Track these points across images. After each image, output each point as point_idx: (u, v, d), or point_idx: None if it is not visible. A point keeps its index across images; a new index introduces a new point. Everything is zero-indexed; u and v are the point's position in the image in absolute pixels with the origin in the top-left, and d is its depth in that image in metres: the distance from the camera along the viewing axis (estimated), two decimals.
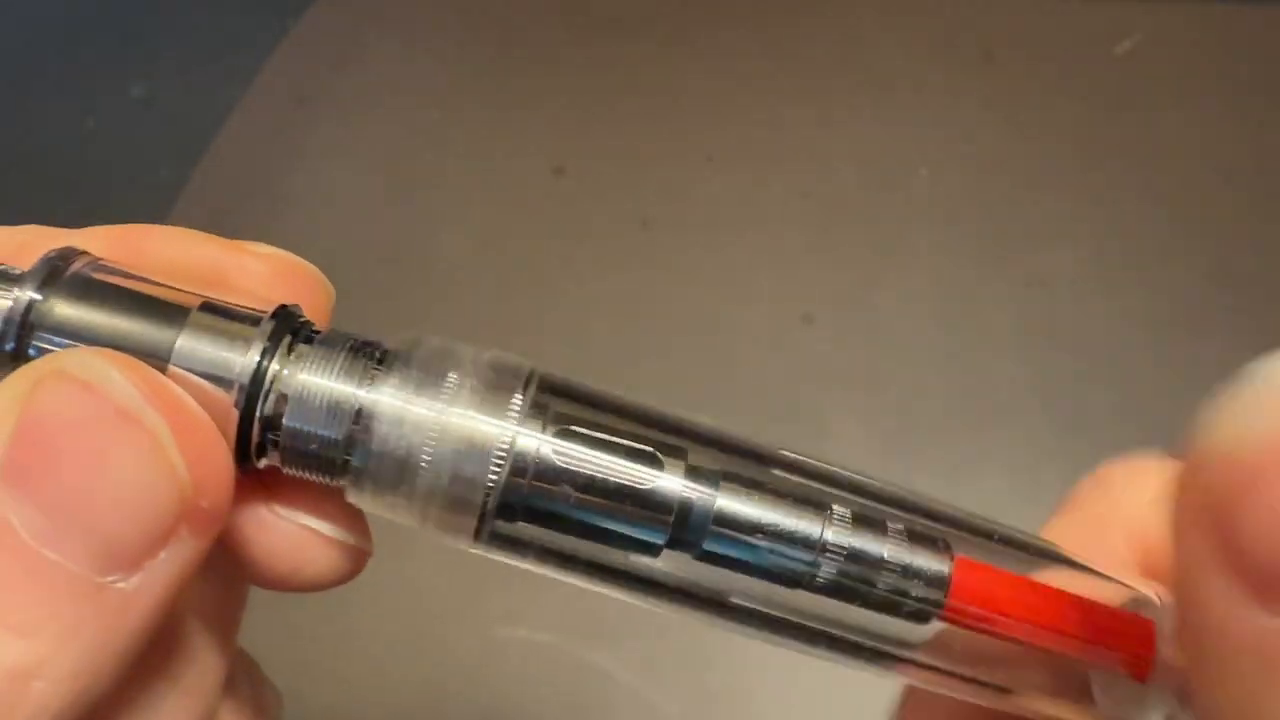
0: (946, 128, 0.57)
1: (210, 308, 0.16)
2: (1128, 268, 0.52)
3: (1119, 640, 0.16)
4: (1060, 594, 0.17)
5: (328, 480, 0.17)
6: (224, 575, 0.19)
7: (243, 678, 0.21)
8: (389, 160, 0.59)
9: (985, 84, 0.59)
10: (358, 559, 0.19)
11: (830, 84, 0.60)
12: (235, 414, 0.16)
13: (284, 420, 0.16)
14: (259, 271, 0.19)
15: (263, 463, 0.17)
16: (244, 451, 0.16)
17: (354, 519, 0.18)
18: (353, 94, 0.62)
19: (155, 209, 0.55)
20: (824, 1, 0.63)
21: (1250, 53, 0.59)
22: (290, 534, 0.18)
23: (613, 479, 0.16)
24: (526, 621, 0.43)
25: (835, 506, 0.17)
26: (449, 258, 0.54)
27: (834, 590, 0.17)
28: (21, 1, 0.67)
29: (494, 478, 0.16)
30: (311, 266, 0.20)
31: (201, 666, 0.18)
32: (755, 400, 0.48)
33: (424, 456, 0.16)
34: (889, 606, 0.17)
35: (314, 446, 0.16)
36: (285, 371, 0.16)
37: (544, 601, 0.43)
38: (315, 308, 0.19)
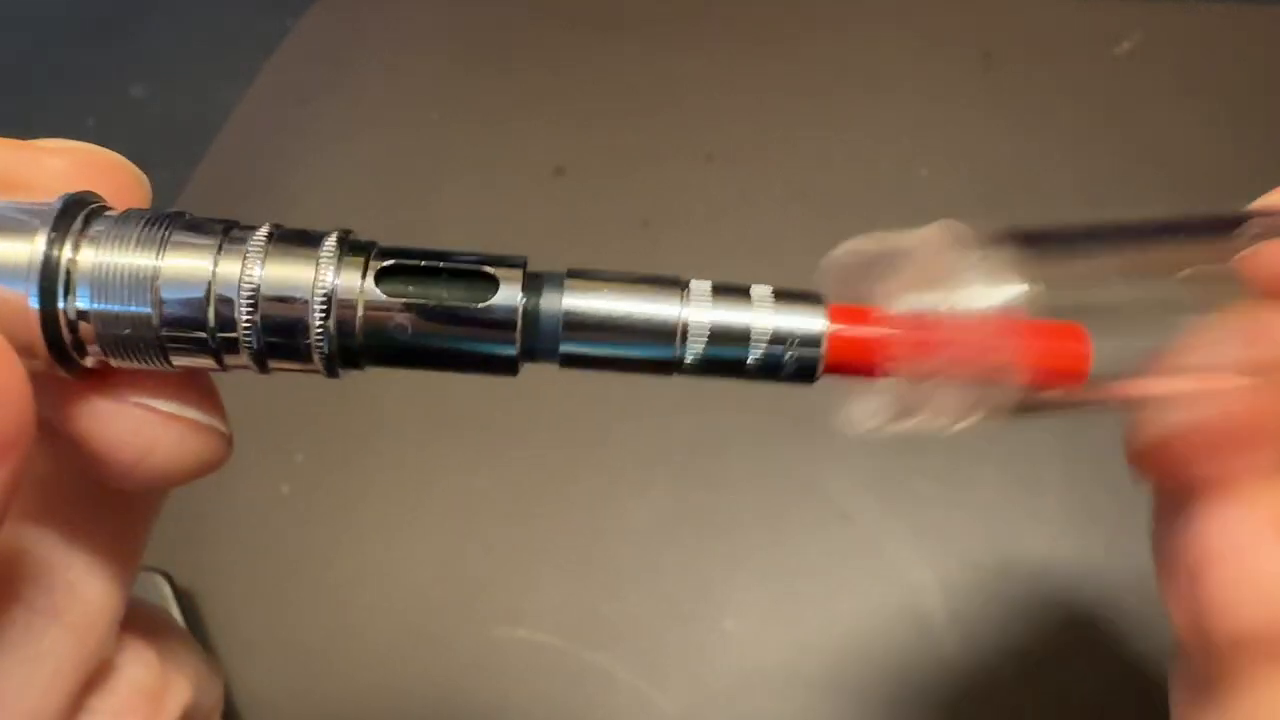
0: (946, 127, 0.57)
1: None
2: None
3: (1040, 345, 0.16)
4: (951, 320, 0.16)
5: (159, 364, 0.16)
6: (99, 502, 0.18)
7: (167, 639, 0.20)
8: (389, 160, 0.59)
9: (985, 84, 0.59)
10: (211, 439, 0.18)
11: (830, 84, 0.59)
12: (33, 311, 0.15)
13: (87, 306, 0.15)
14: (58, 168, 0.17)
15: (89, 360, 0.16)
16: (62, 352, 0.16)
17: (201, 396, 0.17)
18: (353, 94, 0.62)
19: (155, 209, 0.55)
20: (824, 1, 0.63)
21: (1250, 53, 0.59)
22: (130, 418, 0.17)
23: (442, 303, 0.16)
24: (526, 621, 0.43)
25: (693, 282, 0.17)
26: None
27: (706, 369, 0.17)
28: (21, 1, 0.67)
29: (320, 325, 0.16)
30: (118, 156, 0.18)
31: (85, 601, 0.18)
32: (755, 400, 0.48)
33: (244, 317, 0.15)
34: (768, 373, 0.17)
35: (126, 329, 0.16)
36: (80, 256, 0.15)
37: (543, 601, 0.43)
38: (126, 200, 0.18)
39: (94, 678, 0.18)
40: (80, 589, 0.18)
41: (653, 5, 0.64)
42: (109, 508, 0.19)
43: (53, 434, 0.17)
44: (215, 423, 0.18)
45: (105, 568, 0.18)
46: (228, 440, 0.18)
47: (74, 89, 0.62)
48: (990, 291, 0.17)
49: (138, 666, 0.20)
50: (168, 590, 0.41)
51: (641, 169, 0.57)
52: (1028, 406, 0.16)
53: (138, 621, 0.20)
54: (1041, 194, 0.55)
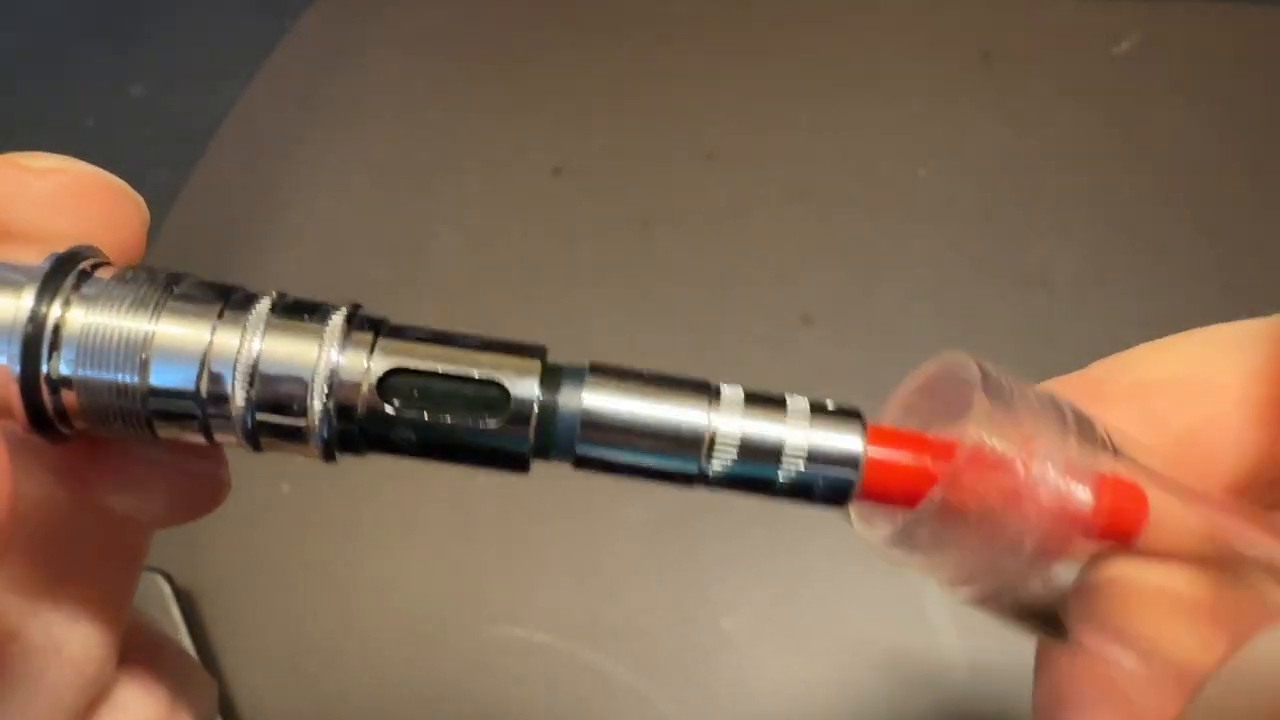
0: (946, 127, 0.57)
1: None
2: (1128, 267, 0.52)
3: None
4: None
5: (143, 435, 0.15)
6: (93, 535, 0.18)
7: (148, 651, 0.20)
8: (389, 160, 0.59)
9: (984, 84, 0.59)
10: (210, 488, 0.17)
11: (830, 84, 0.59)
12: (13, 374, 0.14)
13: (71, 372, 0.14)
14: (45, 193, 0.16)
15: (70, 428, 0.15)
16: (41, 418, 0.14)
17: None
18: (353, 94, 0.62)
19: (155, 209, 0.55)
20: (824, 2, 0.63)
21: (1250, 53, 0.59)
22: (130, 471, 0.16)
23: (455, 391, 0.15)
24: (524, 621, 0.43)
25: (724, 388, 0.15)
26: (449, 258, 0.54)
27: (732, 484, 0.15)
28: (21, 1, 0.67)
29: (320, 407, 0.14)
30: (110, 178, 0.17)
31: (82, 633, 0.17)
32: None
33: (239, 394, 0.14)
34: (798, 493, 0.15)
35: (112, 398, 0.14)
36: (69, 316, 0.14)
37: (542, 601, 0.43)
38: (121, 229, 0.16)
39: (99, 706, 0.18)
40: (77, 621, 0.17)
41: (653, 5, 0.64)
42: (103, 539, 0.18)
43: (50, 474, 0.16)
44: (217, 472, 0.17)
45: (100, 598, 0.18)
46: (227, 485, 0.17)
47: (74, 89, 0.62)
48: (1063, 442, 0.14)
49: (145, 698, 0.19)
50: (168, 590, 0.41)
51: (641, 169, 0.57)
52: (1023, 603, 0.15)
53: (139, 644, 0.20)
54: (1042, 194, 0.55)
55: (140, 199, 0.17)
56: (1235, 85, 0.58)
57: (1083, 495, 0.14)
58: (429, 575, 0.44)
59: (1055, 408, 0.15)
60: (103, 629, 0.18)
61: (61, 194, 0.16)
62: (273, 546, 0.45)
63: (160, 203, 0.56)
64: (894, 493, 0.15)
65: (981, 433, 0.14)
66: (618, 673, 0.41)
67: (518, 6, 0.65)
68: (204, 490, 0.17)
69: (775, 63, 0.61)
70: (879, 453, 0.15)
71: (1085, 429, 0.14)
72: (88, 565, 0.18)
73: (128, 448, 0.16)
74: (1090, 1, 0.61)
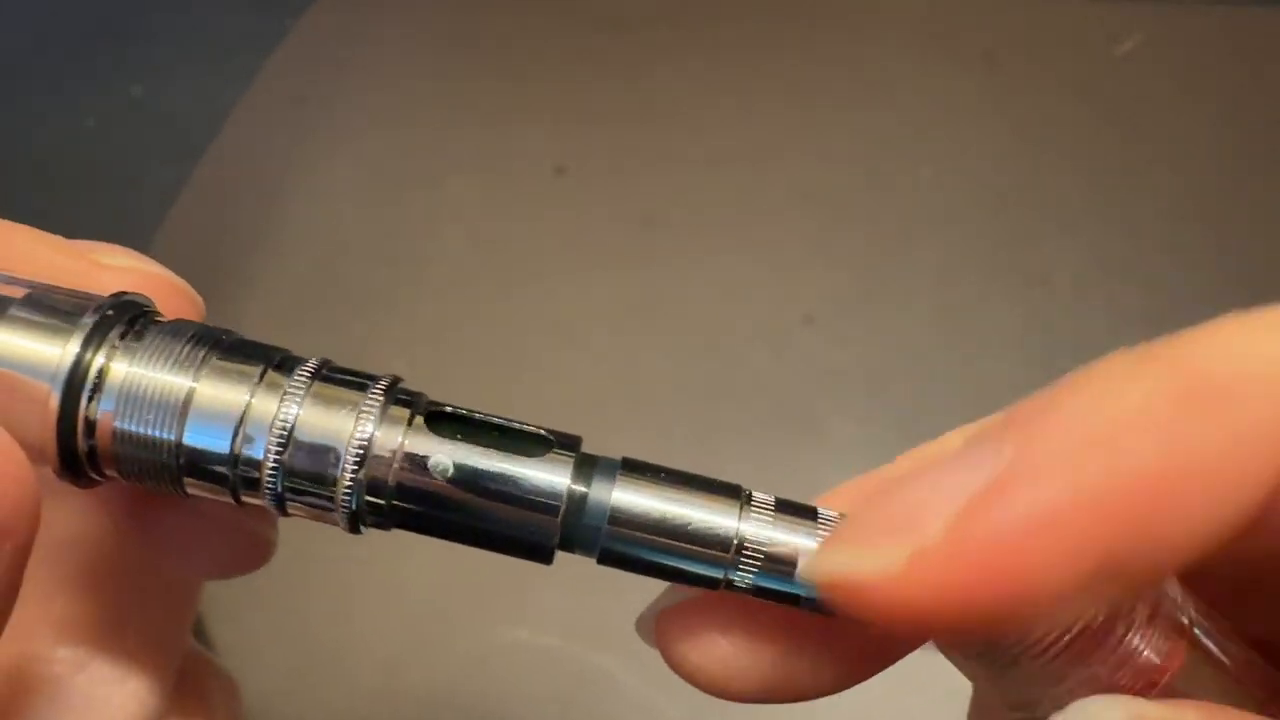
0: (947, 128, 0.57)
1: (34, 300, 0.15)
2: (1128, 267, 0.52)
3: None
4: None
5: (171, 490, 0.15)
6: (154, 592, 0.18)
7: (194, 678, 0.20)
8: (389, 160, 0.59)
9: (985, 84, 0.59)
10: (260, 547, 0.17)
11: (830, 84, 0.59)
12: (53, 413, 0.14)
13: (109, 420, 0.14)
14: (113, 287, 0.16)
15: (99, 474, 0.15)
16: (74, 462, 0.15)
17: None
18: (353, 94, 0.62)
19: (155, 209, 0.55)
20: (824, 1, 0.63)
21: (1250, 53, 0.59)
22: (182, 525, 0.16)
23: (486, 477, 0.15)
24: (528, 623, 0.43)
25: (755, 494, 0.15)
26: (449, 258, 0.54)
27: (759, 593, 0.15)
28: (21, 2, 0.67)
29: (350, 480, 0.14)
30: (175, 278, 0.17)
31: (136, 682, 0.17)
32: (755, 400, 0.48)
33: (271, 457, 0.14)
34: (825, 609, 0.14)
35: (145, 450, 0.14)
36: (114, 365, 0.14)
37: (546, 603, 0.43)
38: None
39: None
40: (130, 669, 0.17)
41: (653, 6, 0.64)
42: (158, 588, 0.18)
43: (108, 520, 0.16)
44: (267, 534, 0.17)
45: (154, 646, 0.18)
46: (274, 545, 0.18)
47: (74, 89, 0.62)
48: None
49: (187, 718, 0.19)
50: None
51: (641, 169, 0.57)
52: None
53: (187, 671, 0.20)
54: (1043, 194, 0.55)
55: (200, 299, 0.17)
56: (1236, 85, 0.58)
57: (1154, 659, 0.14)
58: (434, 577, 0.44)
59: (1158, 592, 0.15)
60: (155, 676, 0.18)
61: (129, 288, 0.16)
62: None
63: (160, 203, 0.56)
64: None
65: None
66: (624, 676, 0.41)
67: (518, 7, 0.65)
68: (254, 549, 0.17)
69: (775, 63, 0.61)
70: None
71: (1171, 590, 0.14)
72: (143, 613, 0.18)
73: (182, 503, 0.16)
74: (1092, 3, 0.61)
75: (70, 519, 0.17)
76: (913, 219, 0.54)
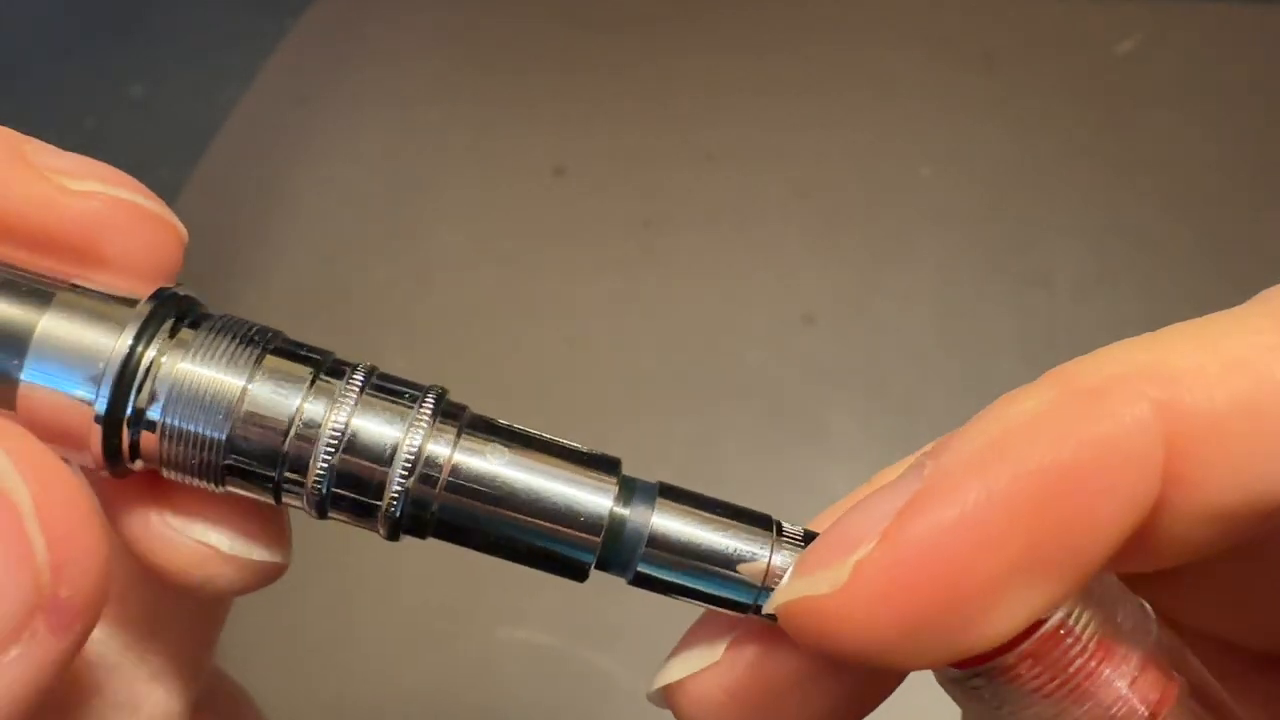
0: (947, 127, 0.57)
1: (83, 289, 0.14)
2: (1128, 268, 0.52)
3: None
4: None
5: (212, 486, 0.15)
6: (180, 604, 0.18)
7: (216, 697, 0.20)
8: (389, 160, 0.59)
9: (986, 84, 0.59)
10: (270, 568, 0.17)
11: (830, 84, 0.59)
12: (98, 412, 0.14)
13: (157, 417, 0.14)
14: (84, 215, 0.15)
15: (138, 464, 0.15)
16: (115, 455, 0.15)
17: (260, 524, 0.16)
18: (353, 94, 0.62)
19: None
20: (824, 1, 0.63)
21: (1250, 53, 0.59)
22: (191, 548, 0.16)
23: (530, 493, 0.15)
24: (528, 623, 0.43)
25: (785, 525, 0.16)
26: (449, 258, 0.54)
27: None
28: (21, 1, 0.67)
29: (399, 488, 0.15)
30: (147, 203, 0.16)
31: (162, 693, 0.18)
32: (755, 400, 0.48)
33: (320, 461, 0.14)
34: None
35: (193, 447, 0.14)
36: (165, 361, 0.14)
37: (546, 602, 0.43)
38: (158, 252, 0.16)
39: None
40: (156, 680, 0.18)
41: (653, 5, 0.64)
42: (184, 599, 0.18)
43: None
44: (276, 558, 0.17)
45: (179, 657, 0.18)
46: (287, 563, 0.18)
47: (74, 89, 0.62)
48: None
49: None
50: None
51: (641, 169, 0.57)
52: None
53: (210, 702, 0.20)
54: (1043, 194, 0.55)
55: (175, 221, 0.16)
56: (1235, 85, 0.58)
57: (1140, 707, 0.14)
58: (432, 575, 0.44)
59: (1141, 613, 0.15)
60: (180, 688, 0.18)
61: (102, 214, 0.15)
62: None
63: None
64: None
65: (1067, 616, 0.14)
66: (621, 674, 0.41)
67: (518, 7, 0.65)
68: (268, 570, 0.17)
69: (775, 63, 0.61)
70: None
71: (1163, 642, 0.15)
72: (168, 625, 0.18)
73: (195, 539, 0.16)
74: (1092, 3, 0.61)
75: None
76: (912, 218, 0.54)
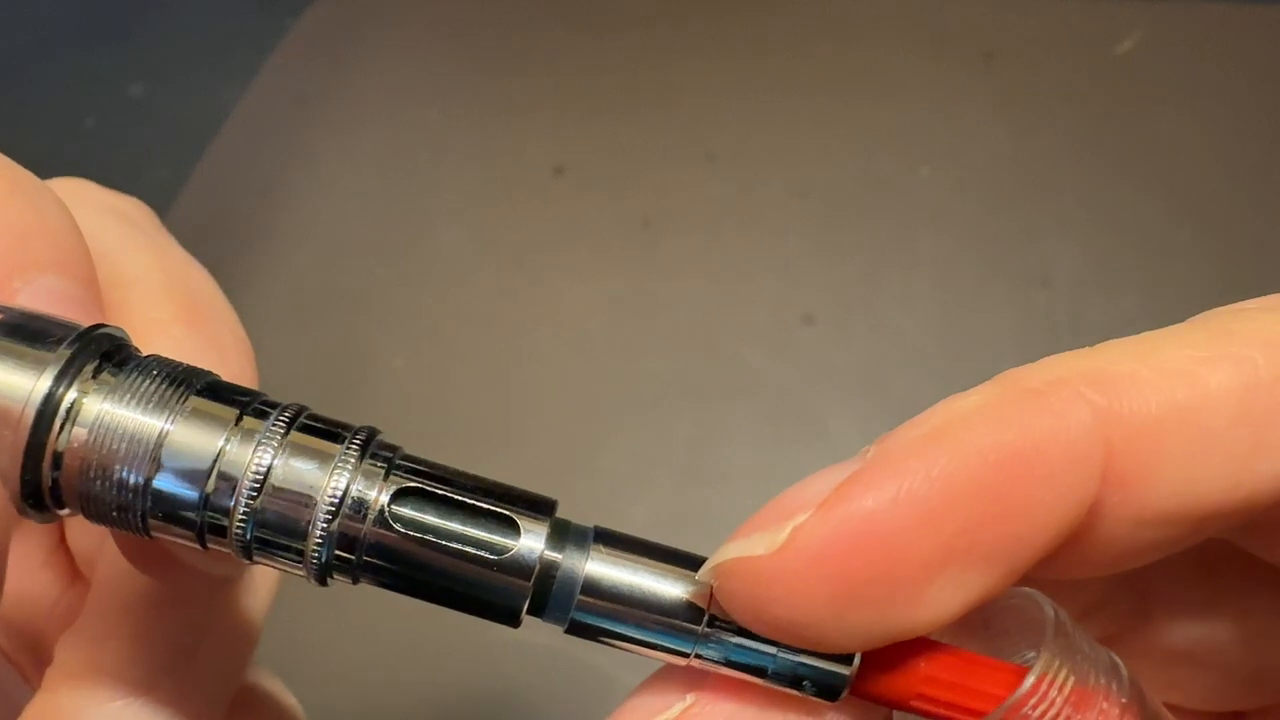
0: (947, 127, 0.57)
1: (12, 326, 0.14)
2: (1128, 268, 0.52)
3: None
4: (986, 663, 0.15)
5: (136, 532, 0.15)
6: (209, 630, 0.18)
7: (259, 703, 0.21)
8: (389, 160, 0.59)
9: (986, 83, 0.59)
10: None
11: (830, 83, 0.59)
12: (21, 446, 0.14)
13: (78, 456, 0.14)
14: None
15: (65, 512, 0.15)
16: (37, 496, 0.14)
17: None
18: (353, 94, 0.62)
19: (155, 209, 0.55)
20: (825, 2, 0.63)
21: (1250, 53, 0.59)
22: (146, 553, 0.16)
23: (458, 536, 0.14)
24: (528, 623, 0.43)
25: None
26: (449, 257, 0.54)
27: (728, 664, 0.15)
28: (21, 1, 0.67)
29: (322, 531, 0.14)
30: (12, 178, 0.16)
31: (202, 701, 0.18)
32: (755, 400, 0.48)
33: (242, 504, 0.14)
34: (790, 684, 0.14)
35: (113, 490, 0.14)
36: (87, 401, 0.14)
37: None
38: (49, 231, 0.16)
39: None
40: (183, 704, 0.18)
41: (653, 6, 0.64)
42: (216, 628, 0.19)
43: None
44: (230, 572, 0.17)
45: (221, 666, 0.19)
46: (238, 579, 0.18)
47: (74, 89, 0.62)
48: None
49: None
50: None
51: (641, 169, 0.57)
52: None
53: (245, 703, 0.20)
54: (1042, 194, 0.55)
55: (51, 192, 0.16)
56: (1235, 85, 0.58)
57: None
58: None
59: (1112, 665, 0.15)
60: (210, 713, 0.18)
61: None
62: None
63: (160, 203, 0.56)
64: (886, 695, 0.15)
65: (1047, 673, 0.14)
66: (620, 674, 0.41)
67: (518, 7, 0.65)
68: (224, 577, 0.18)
69: (775, 63, 0.61)
70: (939, 668, 0.15)
71: (1135, 691, 0.15)
72: (198, 655, 0.18)
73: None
74: (1092, 3, 0.61)
75: (117, 560, 0.17)
76: (912, 218, 0.54)
